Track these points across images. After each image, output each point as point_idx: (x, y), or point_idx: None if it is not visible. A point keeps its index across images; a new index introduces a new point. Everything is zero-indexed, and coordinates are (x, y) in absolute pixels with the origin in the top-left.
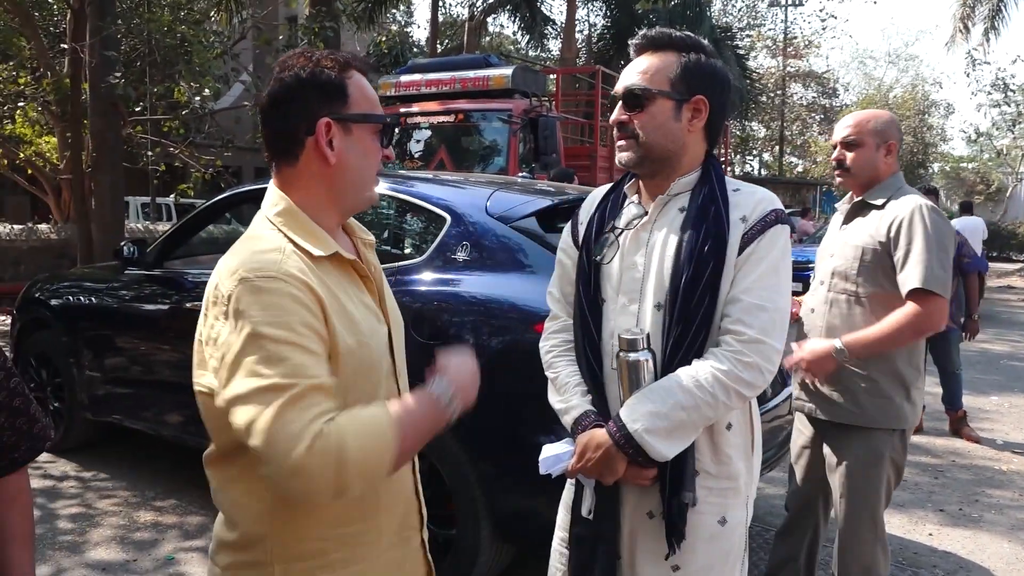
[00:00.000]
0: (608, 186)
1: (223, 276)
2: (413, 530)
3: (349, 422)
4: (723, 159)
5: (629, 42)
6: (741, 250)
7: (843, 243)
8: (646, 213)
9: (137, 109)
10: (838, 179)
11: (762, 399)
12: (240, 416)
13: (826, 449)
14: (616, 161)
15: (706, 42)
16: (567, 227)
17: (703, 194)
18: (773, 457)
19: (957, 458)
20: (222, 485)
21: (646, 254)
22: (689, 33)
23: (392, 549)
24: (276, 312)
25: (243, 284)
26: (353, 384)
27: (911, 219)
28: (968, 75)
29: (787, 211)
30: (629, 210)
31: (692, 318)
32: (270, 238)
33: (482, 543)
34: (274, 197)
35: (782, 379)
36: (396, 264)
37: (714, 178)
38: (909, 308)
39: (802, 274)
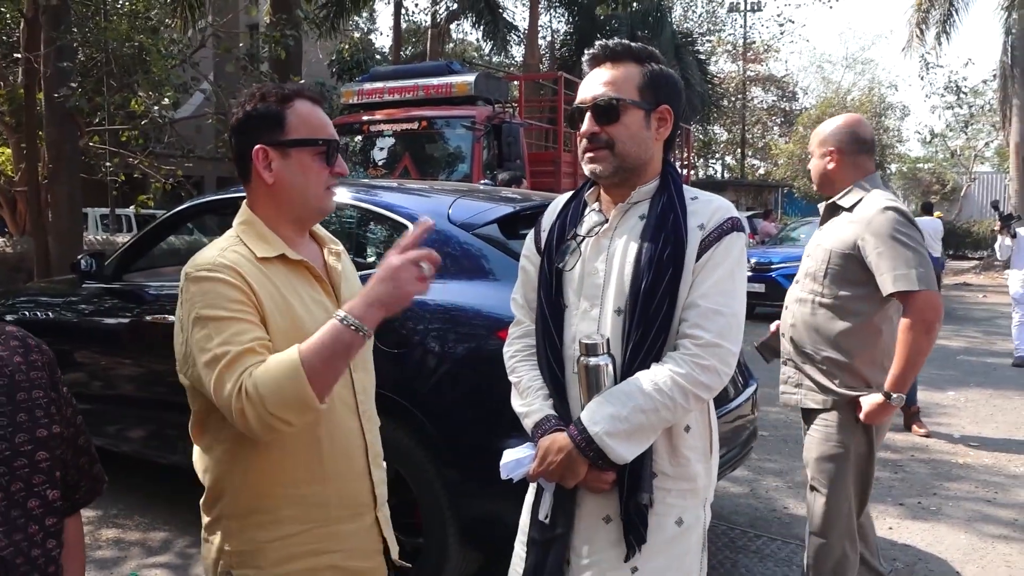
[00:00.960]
0: (569, 194)
1: (181, 277)
2: (365, 507)
3: (262, 370)
4: (686, 163)
5: (586, 52)
6: (699, 256)
7: (816, 245)
8: (607, 220)
9: (94, 120)
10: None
11: (724, 399)
12: (204, 383)
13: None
14: (587, 172)
15: (658, 52)
16: (530, 234)
17: (662, 202)
18: (736, 456)
19: (916, 453)
20: (198, 453)
21: (607, 260)
22: (642, 44)
23: (343, 521)
24: (211, 297)
25: (187, 279)
26: None
27: (874, 223)
28: (922, 78)
29: (750, 213)
30: (590, 217)
31: (651, 323)
32: (223, 242)
33: (449, 550)
34: (240, 209)
35: (744, 379)
36: (360, 272)
37: (672, 186)
38: (904, 321)
39: (764, 275)
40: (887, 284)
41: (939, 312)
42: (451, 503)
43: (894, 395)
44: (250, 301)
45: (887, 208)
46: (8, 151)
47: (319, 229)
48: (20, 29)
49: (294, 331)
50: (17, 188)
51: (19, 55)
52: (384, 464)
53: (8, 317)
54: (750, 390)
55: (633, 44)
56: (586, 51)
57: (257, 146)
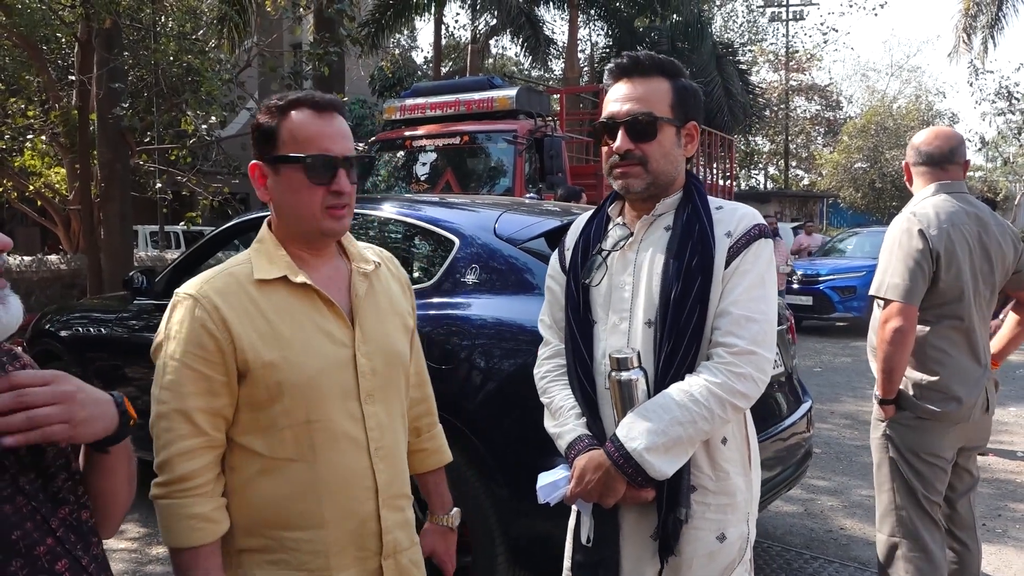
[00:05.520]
0: (591, 211)
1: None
2: (371, 553)
3: (186, 510)
4: (729, 174)
5: (612, 62)
6: (727, 264)
7: None
8: (632, 234)
9: (145, 139)
10: None
11: (778, 417)
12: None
13: None
14: (617, 188)
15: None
16: (554, 254)
17: (687, 212)
18: (791, 476)
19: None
20: None
21: (634, 273)
22: (668, 57)
23: (344, 568)
24: (178, 328)
25: (174, 297)
26: (281, 393)
27: (888, 230)
28: (971, 84)
29: (794, 224)
30: (615, 232)
31: (683, 333)
32: (233, 260)
33: (498, 570)
34: (262, 225)
35: (797, 397)
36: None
37: (696, 197)
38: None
39: (812, 288)
40: (871, 286)
41: (900, 324)
42: (500, 521)
43: (877, 394)
44: (218, 349)
45: (905, 217)
46: (63, 171)
47: (351, 245)
48: (74, 52)
49: (283, 363)
50: (71, 207)
51: (73, 77)
52: (406, 506)
53: (62, 333)
54: (805, 407)
55: (662, 58)
56: (612, 61)
57: (252, 161)
